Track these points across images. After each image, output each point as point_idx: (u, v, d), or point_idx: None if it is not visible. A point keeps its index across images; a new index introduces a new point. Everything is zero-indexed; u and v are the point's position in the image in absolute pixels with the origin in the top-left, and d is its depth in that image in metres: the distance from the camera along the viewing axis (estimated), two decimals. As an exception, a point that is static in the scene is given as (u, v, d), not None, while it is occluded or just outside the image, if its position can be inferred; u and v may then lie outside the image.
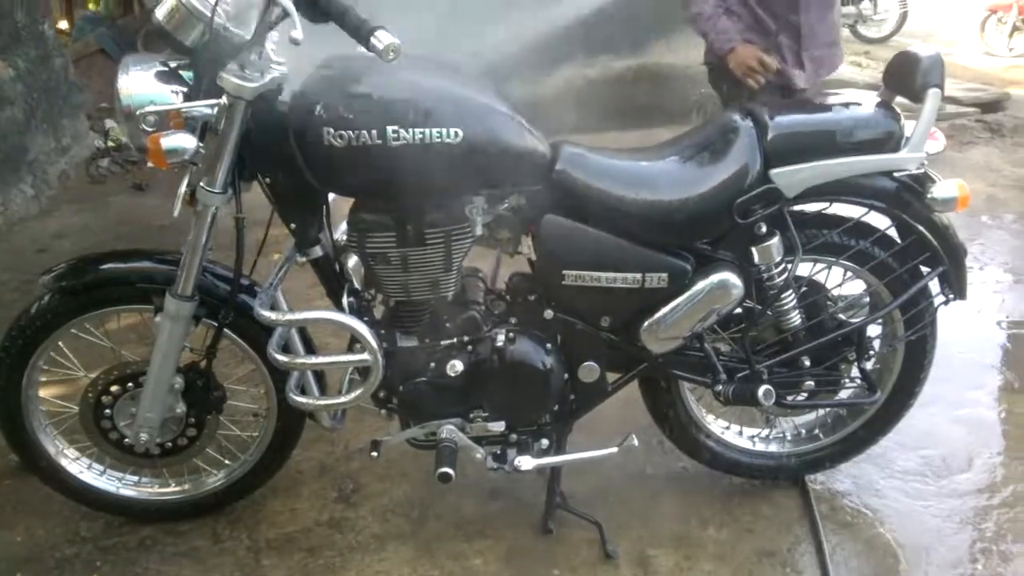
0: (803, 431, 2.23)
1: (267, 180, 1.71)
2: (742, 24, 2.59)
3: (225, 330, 1.85)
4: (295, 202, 1.73)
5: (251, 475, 2.10)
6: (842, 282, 2.00)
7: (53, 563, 2.00)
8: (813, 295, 1.97)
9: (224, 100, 1.58)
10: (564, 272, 1.81)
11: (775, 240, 1.84)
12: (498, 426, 1.92)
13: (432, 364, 1.85)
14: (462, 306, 1.86)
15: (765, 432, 2.24)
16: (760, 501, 2.18)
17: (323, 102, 1.58)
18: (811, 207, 1.89)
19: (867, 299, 2.01)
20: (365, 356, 1.76)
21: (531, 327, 1.89)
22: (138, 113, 1.56)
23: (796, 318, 1.95)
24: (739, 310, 1.92)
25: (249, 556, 2.02)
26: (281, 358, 1.77)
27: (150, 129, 1.56)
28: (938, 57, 1.83)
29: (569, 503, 2.08)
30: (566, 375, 1.92)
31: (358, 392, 1.81)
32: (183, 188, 1.67)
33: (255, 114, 1.61)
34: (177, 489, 2.11)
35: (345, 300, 1.79)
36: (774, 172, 1.78)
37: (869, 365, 2.06)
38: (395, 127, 1.57)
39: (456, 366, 1.82)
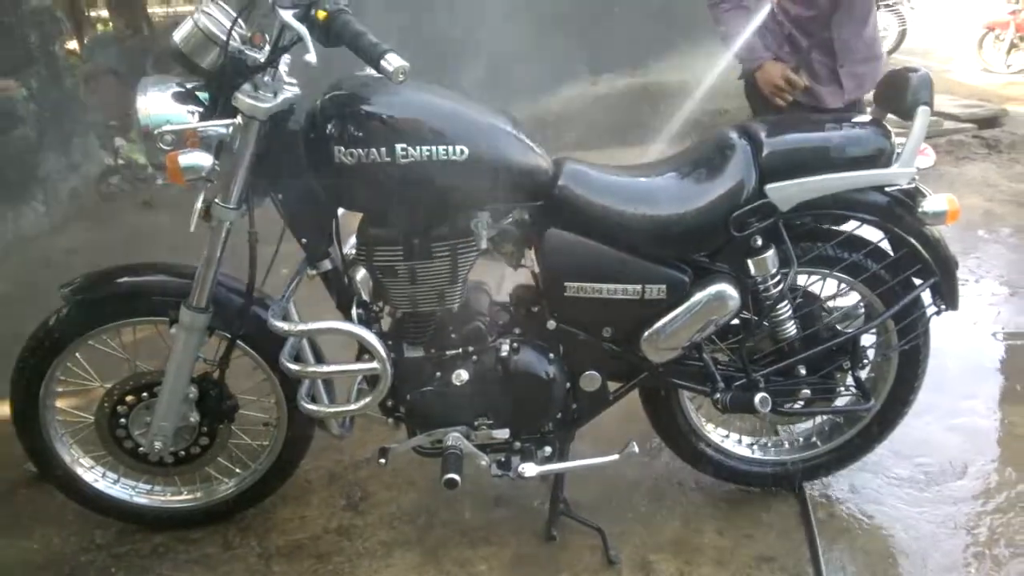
0: (801, 439, 2.27)
1: (280, 196, 1.76)
2: (774, 41, 2.54)
3: (238, 341, 1.90)
4: (306, 217, 1.79)
5: (262, 483, 2.14)
6: (836, 293, 2.05)
7: (68, 570, 2.05)
8: (808, 306, 2.01)
9: (239, 120, 1.64)
10: (566, 284, 1.85)
11: (770, 253, 1.88)
12: (502, 434, 1.96)
13: (438, 373, 1.90)
14: (467, 317, 1.90)
15: (764, 440, 2.28)
16: (759, 508, 2.21)
17: (334, 121, 1.64)
18: (805, 220, 1.93)
19: (861, 310, 2.06)
20: (374, 365, 1.81)
21: (534, 338, 1.93)
22: (156, 132, 1.63)
23: (792, 328, 1.98)
24: (736, 321, 1.97)
25: (260, 563, 2.06)
26: (293, 367, 1.82)
27: (168, 148, 1.62)
28: (927, 76, 1.88)
29: (572, 510, 2.12)
30: (568, 384, 1.97)
31: (367, 400, 1.87)
32: (199, 204, 1.73)
33: (268, 133, 1.67)
34: (189, 497, 2.15)
35: (354, 311, 1.84)
36: (769, 187, 1.83)
37: (864, 374, 2.10)
38: (403, 145, 1.63)
39: (461, 375, 1.88)
